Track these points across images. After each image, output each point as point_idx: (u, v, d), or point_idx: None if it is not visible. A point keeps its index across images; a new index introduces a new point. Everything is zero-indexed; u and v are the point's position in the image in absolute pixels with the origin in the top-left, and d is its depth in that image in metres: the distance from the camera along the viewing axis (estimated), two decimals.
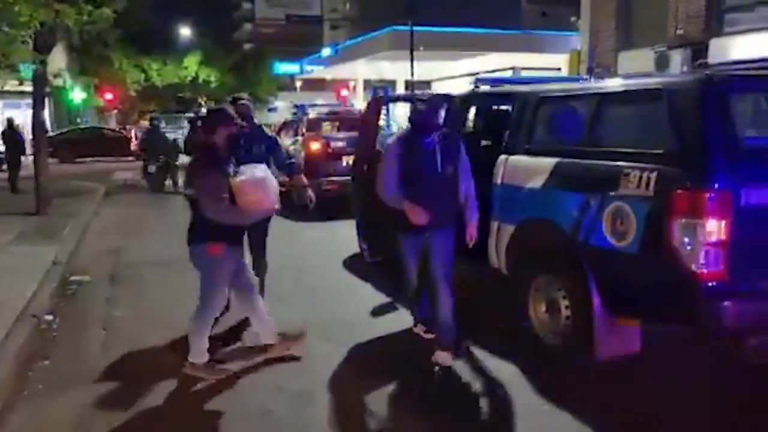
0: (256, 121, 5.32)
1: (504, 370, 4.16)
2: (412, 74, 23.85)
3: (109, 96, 34.43)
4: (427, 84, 30.50)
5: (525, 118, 4.71)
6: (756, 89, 3.96)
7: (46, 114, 12.17)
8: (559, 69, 22.25)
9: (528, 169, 4.45)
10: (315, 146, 10.43)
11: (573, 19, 21.15)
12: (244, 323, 4.89)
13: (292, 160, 5.38)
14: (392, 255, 4.77)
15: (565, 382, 3.94)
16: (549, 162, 4.25)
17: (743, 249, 3.29)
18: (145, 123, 25.54)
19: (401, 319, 5.20)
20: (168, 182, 14.45)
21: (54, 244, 7.97)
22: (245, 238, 5.22)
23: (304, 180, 5.21)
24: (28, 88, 17.06)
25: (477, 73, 22.87)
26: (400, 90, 30.29)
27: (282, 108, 40.97)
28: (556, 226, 4.10)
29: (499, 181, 4.70)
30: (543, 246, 4.35)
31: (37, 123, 10.79)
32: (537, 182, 4.29)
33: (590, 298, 3.85)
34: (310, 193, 5.07)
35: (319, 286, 6.35)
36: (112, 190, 14.85)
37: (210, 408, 3.78)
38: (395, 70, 27.66)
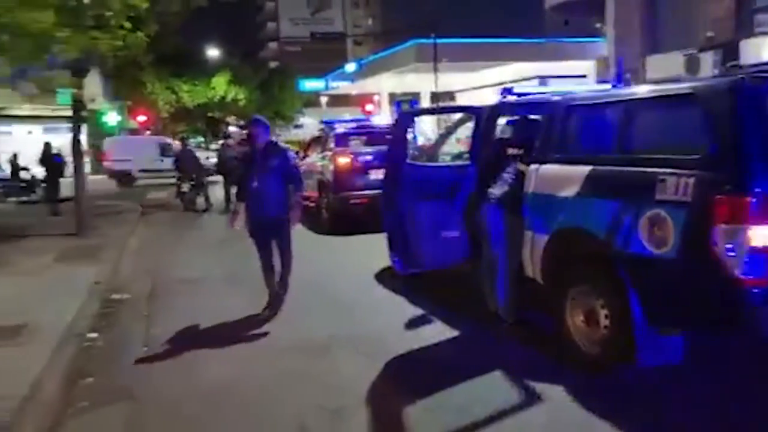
0: (273, 138, 6.18)
1: (545, 382, 4.13)
2: (436, 86, 23.94)
3: (142, 118, 35.22)
4: (452, 95, 30.57)
5: (555, 126, 4.71)
6: None
7: (84, 137, 12.49)
8: (584, 76, 22.10)
9: (560, 177, 4.43)
10: (343, 161, 10.52)
11: (598, 25, 21.04)
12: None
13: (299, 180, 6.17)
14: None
15: (605, 390, 3.90)
16: (581, 170, 4.23)
17: None
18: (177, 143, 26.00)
19: (436, 332, 5.21)
20: (200, 200, 14.70)
21: (94, 264, 8.16)
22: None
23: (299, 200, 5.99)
24: (65, 112, 17.59)
25: (502, 83, 22.87)
26: (425, 102, 30.41)
27: (309, 124, 41.41)
28: (592, 235, 4.08)
29: (530, 190, 4.70)
30: (578, 255, 4.32)
31: (76, 147, 11.09)
32: (570, 191, 4.27)
33: (629, 306, 3.81)
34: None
35: (347, 299, 6.38)
36: (147, 210, 15.14)
37: (246, 422, 3.82)
38: (419, 82, 27.80)
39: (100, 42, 8.00)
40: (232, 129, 44.80)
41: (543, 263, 4.60)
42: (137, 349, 5.19)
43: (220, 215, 13.68)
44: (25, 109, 23.67)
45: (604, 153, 4.23)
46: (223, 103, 39.80)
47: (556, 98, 5.00)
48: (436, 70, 23.34)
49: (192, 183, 14.71)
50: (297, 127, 43.70)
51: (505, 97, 5.64)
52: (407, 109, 23.41)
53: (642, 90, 4.65)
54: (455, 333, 5.16)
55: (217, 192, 14.86)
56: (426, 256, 5.71)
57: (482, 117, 5.51)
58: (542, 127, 4.87)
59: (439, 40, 22.97)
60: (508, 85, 5.96)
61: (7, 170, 19.27)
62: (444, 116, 21.77)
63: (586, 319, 4.25)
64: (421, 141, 14.04)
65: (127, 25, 8.19)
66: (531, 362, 4.44)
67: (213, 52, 39.90)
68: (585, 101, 4.78)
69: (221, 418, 3.86)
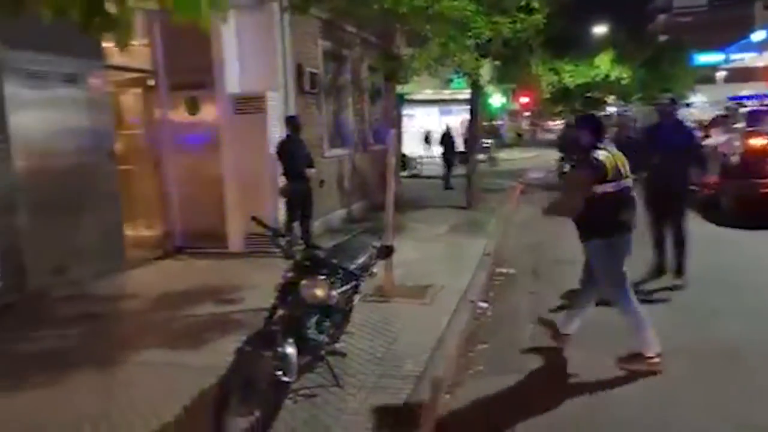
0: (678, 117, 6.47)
1: None
2: None
3: (524, 99, 36.57)
4: None
5: None
6: None
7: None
8: None
9: None
10: (756, 142, 9.05)
11: None
12: None
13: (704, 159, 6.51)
14: None
15: None
16: None
17: None
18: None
19: None
20: None
21: (482, 236, 8.73)
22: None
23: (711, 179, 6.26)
24: (458, 96, 19.13)
25: None
26: None
27: (700, 103, 37.22)
28: None
29: None
30: None
31: (472, 127, 12.01)
32: None
33: None
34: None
35: (757, 301, 5.55)
36: (527, 188, 15.57)
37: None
38: None
39: (501, 26, 8.39)
40: (610, 110, 43.17)
41: None
42: (525, 325, 5.30)
43: None
44: (426, 94, 26.69)
45: None
46: (605, 83, 38.46)
47: None
48: None
49: (573, 165, 14.56)
50: (687, 105, 39.62)
51: None
52: None
53: None
54: None
55: None
56: None
57: None
58: None
59: None
60: None
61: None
62: None
63: None
64: None
65: (535, 4, 8.39)
66: None
67: (598, 30, 38.76)
68: None
69: (619, 420, 3.66)
